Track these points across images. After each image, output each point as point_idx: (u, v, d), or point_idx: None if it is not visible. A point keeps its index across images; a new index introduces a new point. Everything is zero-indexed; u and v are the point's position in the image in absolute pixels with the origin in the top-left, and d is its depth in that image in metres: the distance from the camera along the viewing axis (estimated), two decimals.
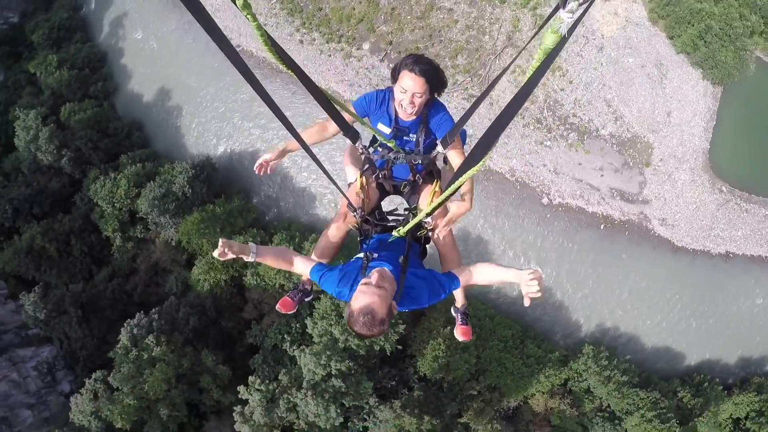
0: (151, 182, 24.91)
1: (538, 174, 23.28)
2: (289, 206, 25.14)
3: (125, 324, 22.61)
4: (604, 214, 23.84)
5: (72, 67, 31.84)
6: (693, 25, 24.46)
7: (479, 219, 23.18)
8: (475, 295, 23.22)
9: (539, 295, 2.93)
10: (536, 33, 2.32)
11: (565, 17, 1.61)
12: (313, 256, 3.73)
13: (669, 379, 25.07)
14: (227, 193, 25.56)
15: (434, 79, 3.30)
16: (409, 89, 3.23)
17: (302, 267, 3.38)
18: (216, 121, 27.34)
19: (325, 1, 25.85)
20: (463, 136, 4.10)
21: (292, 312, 3.95)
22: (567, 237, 23.45)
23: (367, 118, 3.59)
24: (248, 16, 1.66)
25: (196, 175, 24.74)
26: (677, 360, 25.66)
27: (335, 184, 3.21)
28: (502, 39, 23.89)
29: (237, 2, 1.61)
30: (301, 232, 23.52)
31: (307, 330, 20.53)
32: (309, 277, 3.44)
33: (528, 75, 1.83)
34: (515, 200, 23.23)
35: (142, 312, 23.05)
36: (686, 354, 25.72)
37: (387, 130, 3.55)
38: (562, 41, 1.68)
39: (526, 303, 3.03)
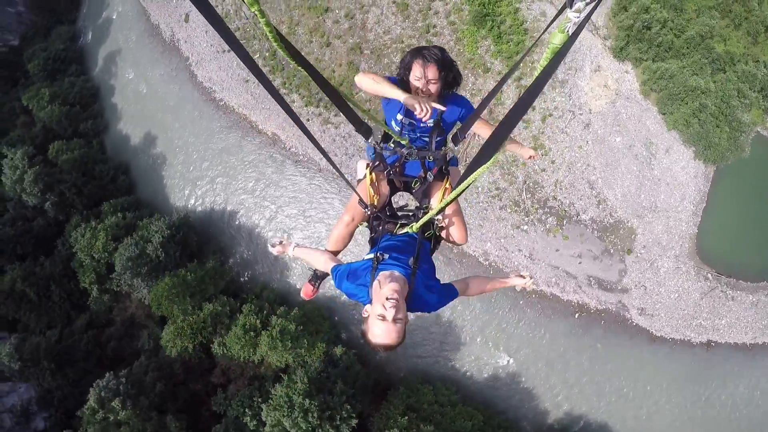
0: (129, 237, 24.57)
1: (513, 259, 22.21)
2: (263, 270, 24.56)
3: (94, 385, 22.54)
4: (580, 302, 22.73)
5: (64, 102, 31.45)
6: (687, 103, 22.84)
7: (454, 302, 22.28)
8: (440, 377, 22.54)
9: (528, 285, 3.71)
10: (544, 31, 2.30)
11: (572, 17, 1.59)
12: (327, 247, 3.82)
13: None
14: (203, 252, 25.10)
15: (444, 61, 3.27)
16: (423, 76, 3.23)
17: (324, 264, 3.53)
18: (197, 172, 26.72)
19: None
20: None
21: (312, 298, 4.18)
22: (539, 325, 22.45)
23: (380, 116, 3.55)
24: (257, 12, 1.63)
25: (171, 235, 24.28)
26: None
27: (345, 179, 3.23)
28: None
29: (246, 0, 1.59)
30: (270, 303, 22.99)
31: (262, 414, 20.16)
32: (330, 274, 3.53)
33: (536, 74, 1.76)
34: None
35: (111, 373, 22.92)
36: None
37: (399, 119, 3.50)
38: (569, 41, 1.66)
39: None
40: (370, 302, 3.01)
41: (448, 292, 3.36)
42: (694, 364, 24.49)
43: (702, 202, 24.09)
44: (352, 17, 24.80)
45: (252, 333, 21.89)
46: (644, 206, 22.88)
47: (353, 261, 3.44)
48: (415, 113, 3.20)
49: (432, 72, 3.25)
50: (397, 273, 3.05)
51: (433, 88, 3.30)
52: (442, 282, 3.40)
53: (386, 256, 3.20)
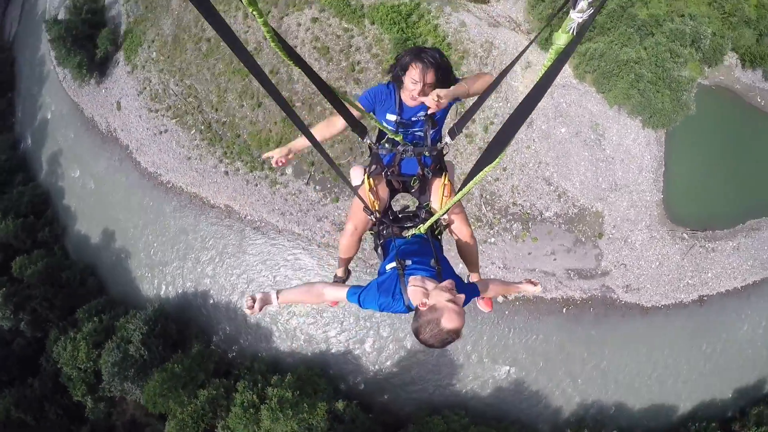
0: (109, 341, 24.13)
1: (488, 274, 21.97)
2: (248, 342, 24.18)
3: None
4: (565, 297, 22.57)
5: (17, 215, 30.79)
6: (623, 77, 22.75)
7: None
8: (446, 404, 22.30)
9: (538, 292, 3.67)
10: (540, 32, 2.39)
11: (575, 17, 1.57)
12: (340, 255, 3.84)
13: None
14: (185, 337, 24.67)
15: (440, 64, 3.25)
16: (420, 80, 3.22)
17: (335, 294, 3.31)
18: (161, 257, 26.27)
19: (241, 127, 24.47)
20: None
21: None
22: (530, 329, 22.27)
23: (372, 113, 3.47)
24: (254, 13, 1.66)
25: (150, 330, 23.84)
26: (670, 414, 24.55)
27: (348, 184, 3.16)
28: None
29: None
30: (263, 374, 22.63)
31: None
32: (347, 301, 3.34)
33: (540, 74, 1.76)
34: (472, 307, 22.00)
35: None
36: (679, 406, 24.56)
37: (393, 118, 3.48)
38: (573, 41, 1.64)
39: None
40: (407, 310, 3.06)
41: (471, 291, 3.33)
42: (692, 322, 24.44)
43: (660, 167, 24.03)
44: (277, 72, 24.47)
45: (252, 409, 21.52)
46: (604, 188, 22.75)
47: (364, 283, 3.37)
48: (427, 109, 3.31)
49: (430, 77, 3.25)
50: (427, 276, 3.06)
51: (429, 91, 3.27)
52: (464, 281, 3.39)
53: (409, 261, 3.21)
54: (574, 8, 1.57)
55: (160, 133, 26.74)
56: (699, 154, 24.92)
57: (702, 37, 23.61)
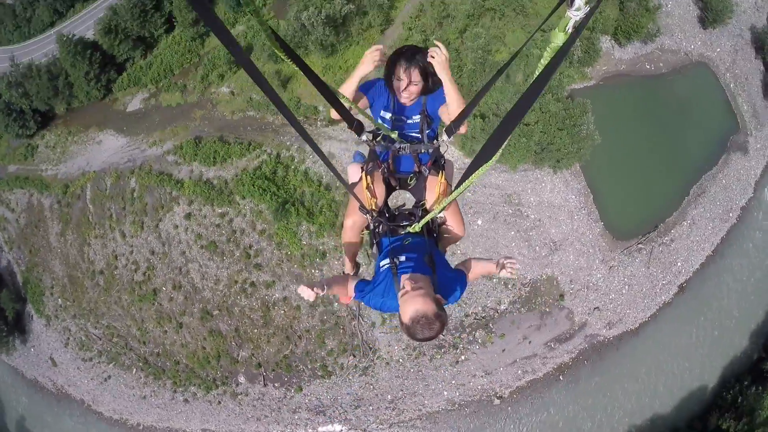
0: None
1: (474, 387, 21.10)
2: None
3: None
4: (555, 366, 21.71)
5: None
6: (515, 138, 20.60)
7: None
8: None
9: (513, 276, 3.19)
10: (536, 31, 2.32)
11: (572, 15, 1.52)
12: (345, 254, 3.84)
13: (704, 417, 23.88)
14: None
15: (426, 61, 3.18)
16: (405, 77, 3.20)
17: (343, 288, 3.37)
18: None
19: (176, 353, 22.86)
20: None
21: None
22: (538, 410, 21.60)
23: (369, 109, 3.51)
24: (252, 13, 1.59)
25: None
26: (703, 396, 24.00)
27: (343, 182, 3.05)
28: None
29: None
30: None
31: None
32: (354, 297, 3.37)
33: (537, 72, 1.69)
34: (472, 422, 21.35)
35: None
36: (707, 383, 24.05)
37: (388, 116, 3.47)
38: (570, 39, 1.62)
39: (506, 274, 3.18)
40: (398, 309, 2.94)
41: (461, 277, 3.25)
42: (682, 310, 23.69)
43: (588, 196, 22.40)
44: (180, 286, 22.53)
45: None
46: (545, 254, 21.28)
47: (369, 277, 3.35)
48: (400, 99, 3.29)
49: (415, 75, 3.20)
50: (418, 274, 2.95)
51: (414, 89, 3.25)
52: (455, 272, 3.29)
53: (402, 258, 3.11)
54: (571, 7, 1.53)
55: (105, 380, 25.16)
56: (618, 155, 23.08)
57: (571, 50, 21.25)
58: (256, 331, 21.57)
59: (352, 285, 3.30)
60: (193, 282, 22.47)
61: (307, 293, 3.00)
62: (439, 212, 3.03)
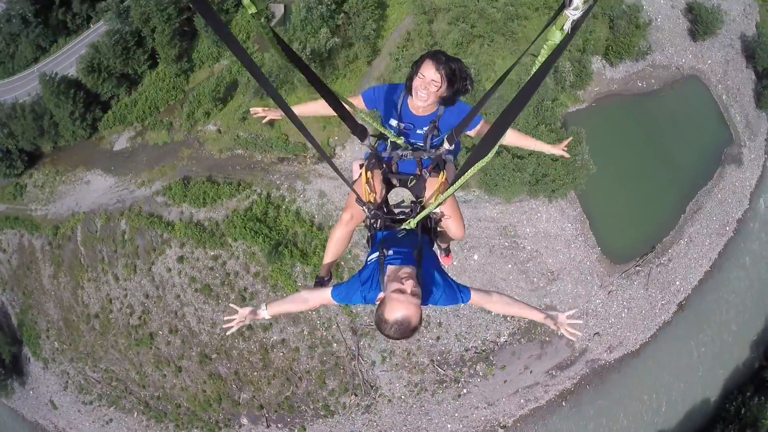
0: None
1: (478, 418, 20.94)
2: None
3: None
4: (558, 393, 21.53)
5: None
6: (507, 176, 20.16)
7: None
8: None
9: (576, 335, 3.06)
10: (541, 32, 2.29)
11: (570, 14, 1.54)
12: (327, 251, 3.70)
13: (708, 431, 23.78)
14: None
15: (453, 71, 3.12)
16: (427, 76, 3.09)
17: (319, 297, 3.20)
18: None
19: (177, 396, 22.62)
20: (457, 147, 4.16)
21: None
22: None
23: (375, 111, 3.49)
24: (253, 17, 1.63)
25: None
26: (706, 410, 23.85)
27: (342, 176, 3.01)
28: (349, 336, 20.62)
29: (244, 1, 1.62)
30: None
31: None
32: (334, 303, 3.21)
33: (534, 70, 1.71)
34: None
35: None
36: (710, 397, 23.87)
37: (395, 124, 3.44)
38: (567, 38, 1.61)
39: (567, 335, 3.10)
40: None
41: (454, 291, 3.04)
42: (682, 328, 23.53)
43: (584, 222, 22.10)
44: (177, 330, 22.23)
45: None
46: (543, 285, 21.02)
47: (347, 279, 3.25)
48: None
49: (434, 75, 3.07)
50: (413, 270, 2.87)
51: (433, 90, 3.12)
52: (454, 280, 3.15)
53: (390, 251, 3.04)
54: (569, 6, 1.54)
55: (107, 423, 24.92)
56: (613, 177, 22.63)
57: (564, 76, 20.94)
58: (256, 373, 21.33)
59: (327, 291, 3.18)
60: (189, 326, 22.18)
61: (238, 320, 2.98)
62: (435, 208, 3.02)
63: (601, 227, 22.32)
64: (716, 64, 25.30)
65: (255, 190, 21.89)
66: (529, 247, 20.91)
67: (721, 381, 24.27)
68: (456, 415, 21.12)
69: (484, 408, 21.22)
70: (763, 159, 25.69)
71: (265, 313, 3.17)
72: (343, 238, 3.61)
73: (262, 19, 1.66)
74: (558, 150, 3.47)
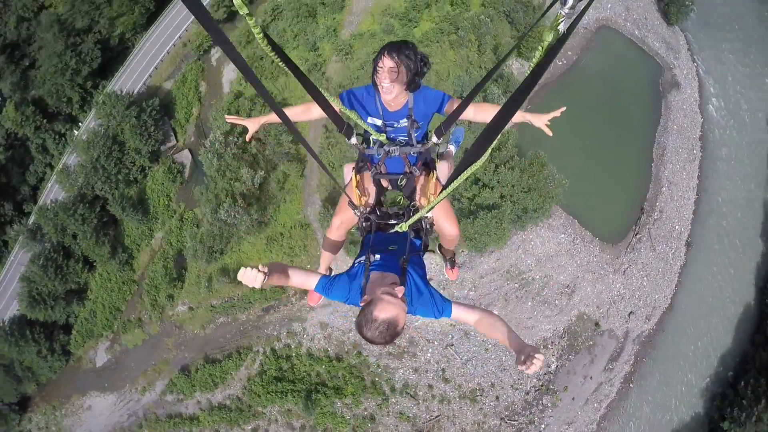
0: None
1: None
2: None
3: None
4: (622, 380, 21.76)
5: None
6: (491, 221, 19.28)
7: None
8: None
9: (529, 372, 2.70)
10: (532, 27, 2.51)
11: (564, 13, 1.58)
12: (321, 256, 3.79)
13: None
14: None
15: (407, 55, 3.11)
16: (385, 65, 3.13)
17: (303, 279, 3.15)
18: None
19: None
20: (459, 136, 4.24)
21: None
22: (626, 423, 21.83)
23: (354, 112, 3.38)
24: (246, 16, 1.66)
25: None
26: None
27: (334, 179, 3.09)
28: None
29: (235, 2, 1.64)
30: None
31: None
32: (313, 290, 3.23)
33: (529, 69, 1.75)
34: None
35: None
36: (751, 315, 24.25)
37: (377, 122, 3.41)
38: (562, 38, 1.64)
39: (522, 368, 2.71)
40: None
41: (434, 304, 3.00)
42: (700, 260, 23.51)
43: (573, 223, 21.77)
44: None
45: None
46: (565, 302, 20.62)
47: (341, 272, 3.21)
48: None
49: (390, 62, 3.06)
50: (388, 273, 2.96)
51: (394, 76, 3.07)
52: (438, 293, 3.10)
53: (377, 256, 3.09)
54: (563, 5, 1.52)
55: None
56: (579, 168, 21.80)
57: (493, 98, 20.08)
58: None
59: (315, 278, 3.10)
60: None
61: (247, 276, 2.57)
62: (427, 212, 2.95)
63: (590, 219, 22.00)
64: (616, 5, 24.69)
65: (258, 351, 20.74)
66: (537, 276, 20.50)
67: (752, 286, 24.21)
68: None
69: (567, 429, 21.21)
70: (694, 69, 25.52)
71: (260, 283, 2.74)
72: (336, 242, 3.62)
73: (254, 20, 1.67)
74: (542, 120, 3.17)
